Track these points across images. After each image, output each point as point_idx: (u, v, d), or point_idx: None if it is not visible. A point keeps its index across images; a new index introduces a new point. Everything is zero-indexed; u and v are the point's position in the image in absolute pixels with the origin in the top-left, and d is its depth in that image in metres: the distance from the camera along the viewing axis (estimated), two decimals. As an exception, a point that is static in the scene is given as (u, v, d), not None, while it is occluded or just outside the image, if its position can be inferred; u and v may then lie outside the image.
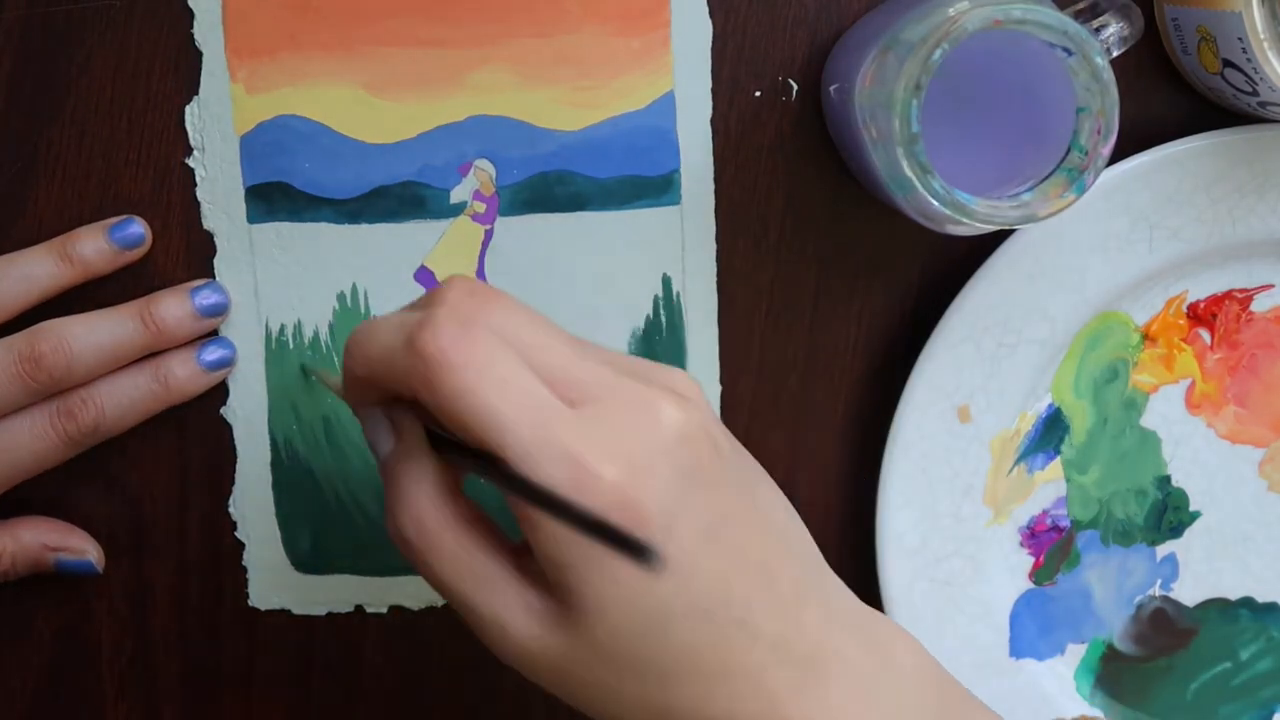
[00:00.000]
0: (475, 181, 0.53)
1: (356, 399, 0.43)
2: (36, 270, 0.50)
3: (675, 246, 0.53)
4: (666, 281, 0.53)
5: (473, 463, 0.39)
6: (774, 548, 0.41)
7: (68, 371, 0.49)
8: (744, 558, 0.40)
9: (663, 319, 0.54)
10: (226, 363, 0.52)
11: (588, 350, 0.40)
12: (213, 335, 0.53)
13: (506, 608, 0.40)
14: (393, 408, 0.42)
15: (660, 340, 0.54)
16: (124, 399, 0.51)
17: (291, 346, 0.53)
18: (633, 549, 0.33)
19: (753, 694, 0.40)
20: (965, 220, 0.45)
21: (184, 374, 0.51)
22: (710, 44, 0.52)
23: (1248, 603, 0.57)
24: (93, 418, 0.50)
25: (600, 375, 0.39)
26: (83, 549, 0.52)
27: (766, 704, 0.40)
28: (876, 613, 0.43)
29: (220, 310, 0.52)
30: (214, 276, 0.53)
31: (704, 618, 0.39)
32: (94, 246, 0.51)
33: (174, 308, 0.51)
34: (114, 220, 0.51)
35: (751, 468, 0.43)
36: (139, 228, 0.51)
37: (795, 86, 0.53)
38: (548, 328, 0.40)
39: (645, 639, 0.39)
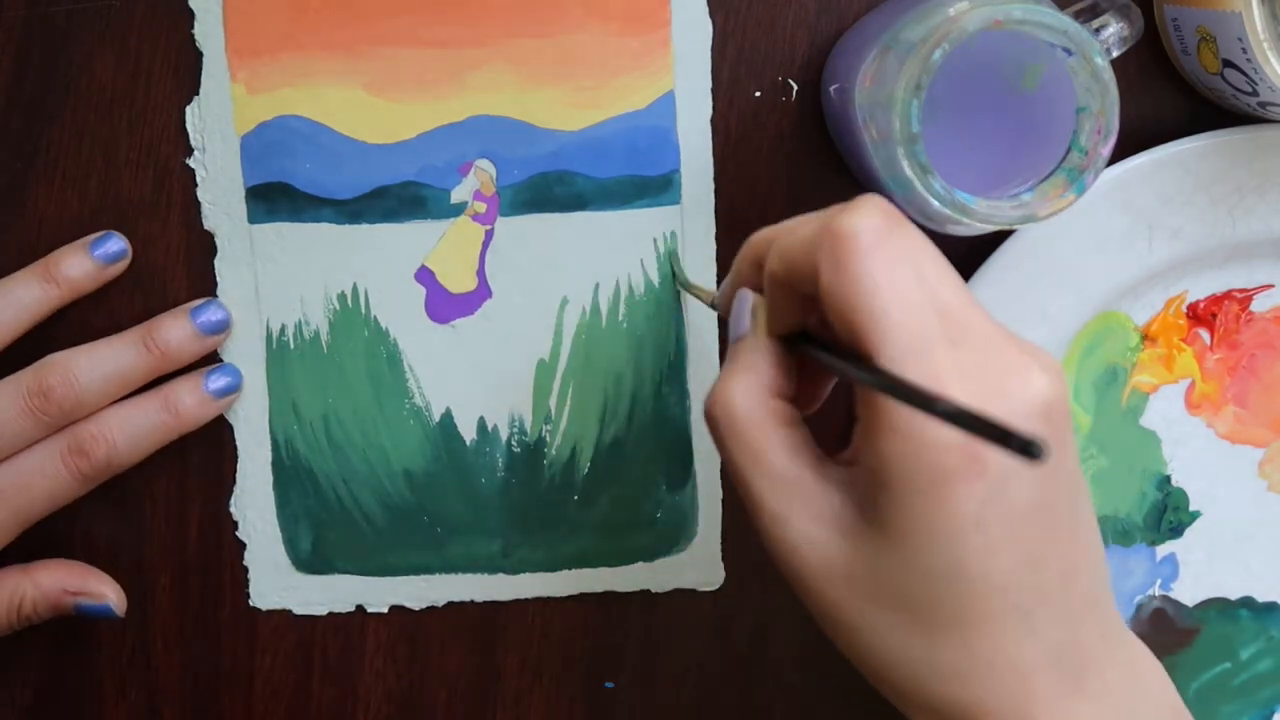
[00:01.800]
0: (476, 181, 0.53)
1: (772, 308, 0.42)
2: (24, 296, 0.50)
3: (675, 246, 0.53)
4: (667, 281, 0.53)
5: (842, 359, 0.39)
6: (1080, 554, 0.40)
7: (77, 404, 0.50)
8: (1052, 552, 0.39)
9: (663, 319, 0.54)
10: (234, 389, 0.53)
11: (973, 298, 0.40)
12: (217, 362, 0.53)
13: (791, 509, 0.40)
14: (758, 299, 0.43)
15: (661, 340, 0.54)
16: (135, 432, 0.51)
17: (292, 347, 0.53)
18: (1016, 443, 0.31)
19: (1013, 689, 0.39)
20: (965, 220, 0.45)
21: (193, 402, 0.52)
22: (710, 44, 0.52)
23: (1248, 603, 0.57)
24: (105, 453, 0.50)
25: (985, 326, 0.39)
26: (102, 593, 0.52)
27: (1022, 703, 0.39)
28: (1136, 638, 0.43)
29: (222, 327, 0.52)
30: (214, 276, 0.53)
31: (990, 593, 0.38)
32: (78, 265, 0.51)
33: (176, 330, 0.51)
34: (94, 236, 0.52)
35: (1080, 473, 0.41)
36: (120, 242, 0.52)
37: (795, 86, 0.53)
38: (946, 264, 0.40)
39: (930, 582, 0.38)
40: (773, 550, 0.41)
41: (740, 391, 0.41)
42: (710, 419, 0.41)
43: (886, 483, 0.38)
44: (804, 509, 0.40)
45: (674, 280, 0.53)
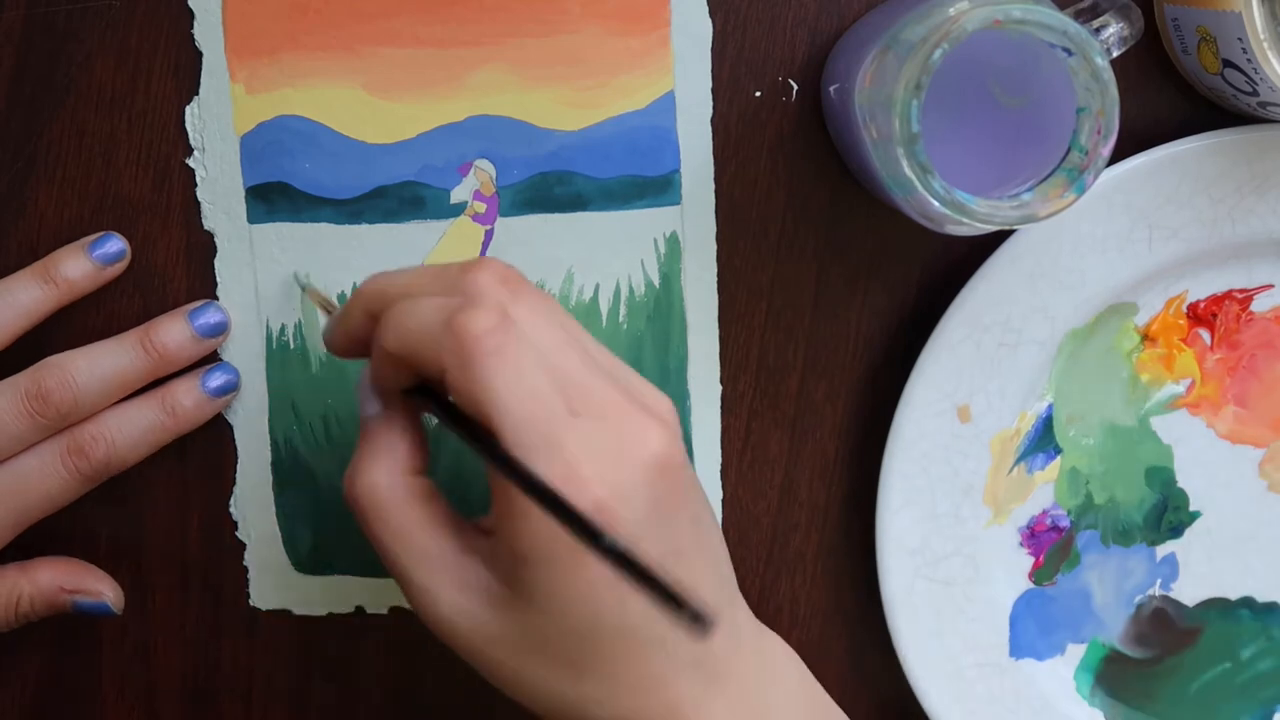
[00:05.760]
0: (475, 181, 0.53)
1: (378, 371, 0.44)
2: (22, 296, 0.50)
3: (675, 246, 0.53)
4: (666, 282, 0.53)
5: (475, 442, 0.42)
6: (707, 575, 0.44)
7: (75, 406, 0.50)
8: (681, 582, 0.42)
9: (663, 319, 0.54)
10: (231, 388, 0.53)
11: (592, 354, 0.43)
12: (214, 361, 0.53)
13: (438, 583, 0.43)
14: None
15: (661, 340, 0.54)
16: (134, 432, 0.51)
17: (292, 347, 0.53)
18: (687, 614, 0.35)
19: (658, 701, 0.43)
20: (965, 220, 0.45)
21: (191, 403, 0.52)
22: (710, 44, 0.52)
23: (1248, 602, 0.57)
24: (103, 454, 0.50)
25: (603, 391, 0.42)
26: (99, 591, 0.52)
27: (668, 709, 0.43)
28: (767, 630, 0.47)
29: (220, 330, 0.52)
30: (214, 277, 0.53)
31: (631, 634, 0.42)
32: (76, 266, 0.51)
33: (174, 332, 0.51)
34: (93, 237, 0.51)
35: (699, 495, 0.45)
36: (119, 242, 0.51)
37: (795, 86, 0.53)
38: (564, 328, 0.43)
39: (574, 639, 0.42)
40: (427, 622, 0.44)
41: (381, 473, 0.44)
42: (352, 501, 0.44)
43: (524, 558, 0.41)
44: (451, 582, 0.43)
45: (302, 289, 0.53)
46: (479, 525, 0.44)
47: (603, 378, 0.42)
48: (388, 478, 0.44)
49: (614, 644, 0.42)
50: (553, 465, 0.40)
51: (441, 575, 0.43)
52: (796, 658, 0.47)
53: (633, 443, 0.41)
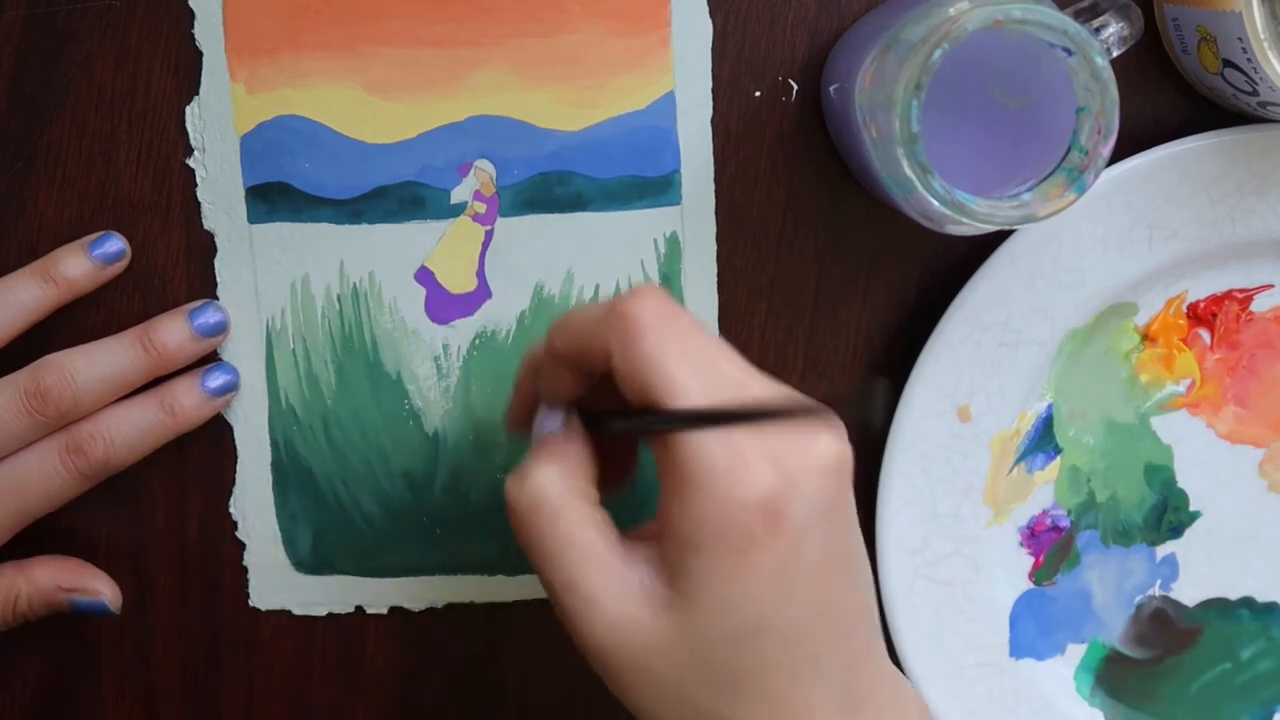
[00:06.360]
0: (475, 182, 0.53)
1: (549, 381, 0.45)
2: (21, 295, 0.50)
3: (675, 247, 0.53)
4: (667, 282, 0.53)
5: (641, 419, 0.42)
6: (860, 603, 0.43)
7: (74, 404, 0.50)
8: (840, 601, 0.42)
9: (663, 319, 0.54)
10: (231, 387, 0.53)
11: (754, 371, 0.43)
12: (214, 360, 0.53)
13: (602, 589, 0.42)
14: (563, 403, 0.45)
15: (660, 340, 0.54)
16: (133, 431, 0.51)
17: (292, 346, 0.53)
18: (817, 411, 0.35)
19: None
20: (965, 220, 0.45)
21: (190, 402, 0.52)
22: (710, 44, 0.52)
23: (1248, 603, 0.57)
24: (103, 452, 0.50)
25: (768, 391, 0.42)
26: (97, 590, 0.52)
27: None
28: (902, 678, 0.45)
29: (219, 330, 0.52)
30: (214, 276, 0.53)
31: (788, 644, 0.41)
32: (76, 265, 0.51)
33: (173, 332, 0.51)
34: (93, 237, 0.51)
35: (857, 530, 0.44)
36: (119, 242, 0.51)
37: (795, 86, 0.53)
38: (721, 342, 0.43)
39: (736, 644, 0.41)
40: (581, 630, 0.42)
41: (554, 473, 0.43)
42: (521, 500, 0.43)
43: (697, 544, 0.40)
44: (615, 589, 0.42)
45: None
46: (640, 533, 0.44)
47: (765, 383, 0.42)
48: (560, 477, 0.43)
49: (772, 652, 0.41)
50: (722, 444, 0.39)
51: (607, 580, 0.42)
52: (925, 705, 0.46)
53: (805, 441, 0.41)
